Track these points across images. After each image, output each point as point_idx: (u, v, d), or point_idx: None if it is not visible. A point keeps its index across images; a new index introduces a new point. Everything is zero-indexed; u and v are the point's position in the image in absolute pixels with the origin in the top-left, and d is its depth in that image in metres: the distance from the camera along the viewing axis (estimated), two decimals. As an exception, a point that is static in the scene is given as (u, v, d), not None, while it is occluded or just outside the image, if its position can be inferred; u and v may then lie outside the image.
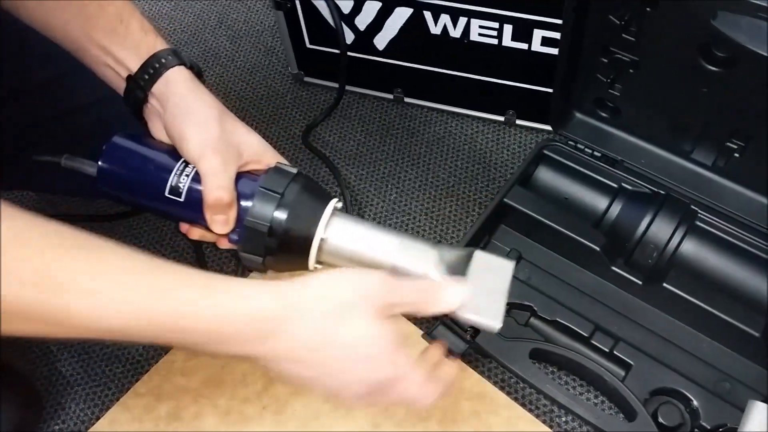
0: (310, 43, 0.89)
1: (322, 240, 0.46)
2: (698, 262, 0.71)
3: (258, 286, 0.39)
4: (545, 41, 0.74)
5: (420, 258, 0.46)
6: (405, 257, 0.46)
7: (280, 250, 0.46)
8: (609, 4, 0.62)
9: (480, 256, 0.46)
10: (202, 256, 0.80)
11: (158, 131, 0.50)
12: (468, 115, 0.91)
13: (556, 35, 0.73)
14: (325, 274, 0.41)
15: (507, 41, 0.76)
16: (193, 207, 0.46)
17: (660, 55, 0.64)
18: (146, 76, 0.49)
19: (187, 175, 0.47)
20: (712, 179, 0.71)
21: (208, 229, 0.47)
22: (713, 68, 0.61)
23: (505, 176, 0.86)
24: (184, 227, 0.50)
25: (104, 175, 0.48)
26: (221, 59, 1.03)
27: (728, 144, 0.67)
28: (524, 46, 0.76)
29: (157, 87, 0.49)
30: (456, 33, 0.78)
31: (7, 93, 0.62)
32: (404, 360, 0.42)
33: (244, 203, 0.46)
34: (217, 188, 0.45)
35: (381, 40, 0.84)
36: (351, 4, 0.80)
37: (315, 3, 0.83)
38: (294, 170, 0.47)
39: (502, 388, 0.68)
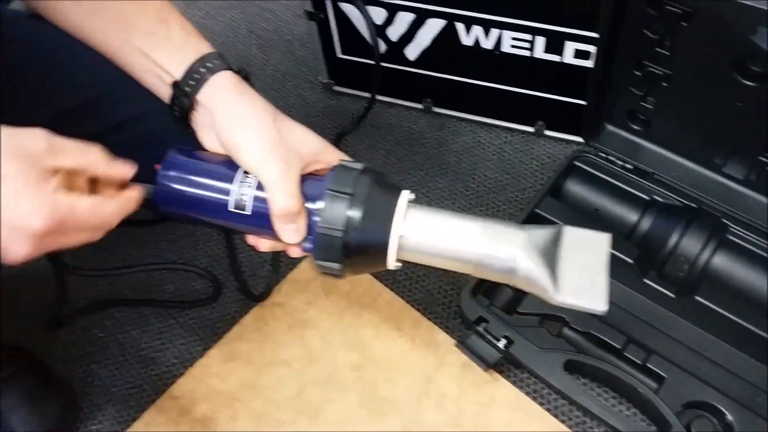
0: (342, 53, 0.90)
1: (400, 237, 0.43)
2: (730, 275, 0.71)
3: None
4: (578, 53, 0.75)
5: (508, 243, 0.43)
6: (492, 245, 0.43)
7: (357, 254, 0.43)
8: (644, 19, 0.63)
9: (571, 232, 0.43)
10: (235, 261, 0.81)
11: (209, 141, 0.48)
12: (497, 126, 0.91)
13: (589, 48, 0.74)
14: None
15: (539, 53, 0.77)
16: (261, 219, 0.44)
17: (693, 69, 0.64)
18: (192, 82, 0.46)
19: (250, 186, 0.44)
20: (744, 193, 0.72)
21: (278, 239, 0.45)
22: (748, 83, 0.61)
23: (534, 187, 0.86)
24: (251, 239, 0.48)
25: (163, 196, 0.46)
26: (251, 68, 1.04)
27: (761, 158, 0.67)
28: (556, 58, 0.77)
29: (204, 93, 0.46)
30: (488, 44, 0.79)
31: (49, 116, 0.61)
32: (60, 200, 0.39)
33: (312, 207, 0.44)
34: (285, 197, 0.43)
35: (412, 51, 0.85)
36: (384, 15, 0.82)
37: (348, 14, 0.84)
38: (360, 166, 0.45)
39: (534, 399, 0.68)
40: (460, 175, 0.88)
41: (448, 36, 0.80)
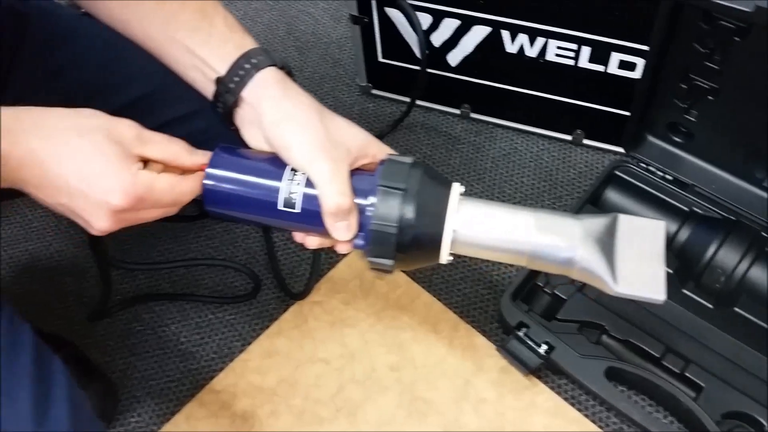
0: (383, 57, 0.91)
1: (453, 231, 0.43)
2: (766, 286, 0.71)
3: None
4: (623, 64, 0.76)
5: (564, 235, 0.42)
6: (547, 236, 0.42)
7: (410, 249, 0.43)
8: (696, 33, 0.64)
9: (625, 221, 0.43)
10: (274, 260, 0.82)
11: (253, 138, 0.47)
12: (534, 133, 0.92)
13: (634, 59, 0.74)
14: (79, 109, 0.41)
15: (583, 62, 0.78)
16: (311, 217, 0.44)
17: (743, 84, 0.65)
18: (236, 79, 0.45)
19: (299, 184, 0.44)
20: (788, 207, 0.72)
21: (327, 236, 0.45)
22: (799, 99, 0.62)
23: (571, 195, 0.87)
24: (298, 237, 0.48)
25: (211, 196, 0.45)
26: (289, 69, 1.06)
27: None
28: (600, 68, 0.78)
29: (249, 90, 0.45)
30: (532, 53, 0.80)
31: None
32: (142, 179, 0.41)
33: (363, 203, 0.43)
34: (336, 194, 0.42)
35: (454, 57, 0.86)
36: (429, 21, 0.83)
37: (393, 19, 0.85)
38: (409, 159, 0.44)
39: (572, 404, 0.69)
40: (496, 181, 0.89)
41: (492, 43, 0.81)
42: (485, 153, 0.92)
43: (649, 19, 0.65)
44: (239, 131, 0.48)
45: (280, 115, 0.44)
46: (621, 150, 0.86)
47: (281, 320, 0.76)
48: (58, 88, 0.59)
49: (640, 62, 0.74)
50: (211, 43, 0.46)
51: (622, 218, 0.43)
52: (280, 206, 0.44)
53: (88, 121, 0.41)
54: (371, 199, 0.43)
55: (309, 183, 0.44)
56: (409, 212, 0.42)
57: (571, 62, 0.79)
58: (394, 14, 0.84)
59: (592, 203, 0.78)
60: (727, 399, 0.65)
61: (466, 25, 0.81)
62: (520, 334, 0.68)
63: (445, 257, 0.44)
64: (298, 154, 0.43)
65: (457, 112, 0.94)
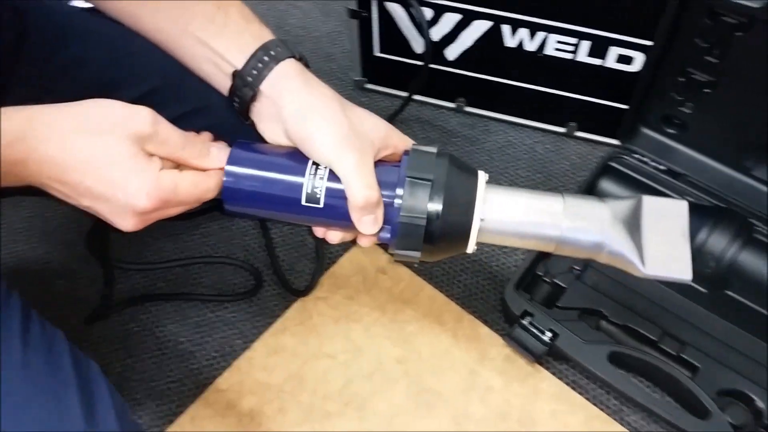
0: (379, 51, 0.91)
1: (481, 220, 0.43)
2: (757, 271, 0.74)
3: (10, 112, 0.38)
4: (620, 58, 0.77)
5: (593, 219, 0.42)
6: (576, 222, 0.42)
7: (438, 240, 0.43)
8: (698, 28, 0.66)
9: (650, 202, 0.43)
10: (274, 256, 0.82)
11: (271, 132, 0.46)
12: (528, 126, 0.93)
13: (632, 53, 0.76)
14: (92, 101, 0.40)
15: (582, 57, 0.79)
16: (335, 211, 0.43)
17: (740, 77, 0.67)
18: (255, 72, 0.44)
19: (322, 178, 0.43)
20: (774, 196, 0.75)
21: (350, 230, 0.45)
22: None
23: (565, 186, 0.88)
24: (319, 231, 0.47)
25: (231, 194, 0.44)
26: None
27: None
28: (598, 62, 0.79)
29: (268, 83, 0.44)
30: (532, 47, 0.81)
31: None
32: (165, 185, 0.41)
33: (389, 195, 0.43)
34: (363, 188, 0.42)
35: (452, 51, 0.86)
36: (430, 15, 0.83)
37: (392, 13, 0.85)
38: (433, 149, 0.44)
39: (574, 389, 0.70)
40: (492, 174, 0.90)
41: (491, 37, 0.82)
42: (480, 146, 0.93)
43: (655, 16, 0.67)
44: (255, 125, 0.47)
45: (302, 108, 0.43)
46: (613, 141, 0.88)
47: (285, 317, 0.76)
48: (63, 88, 0.58)
49: (638, 56, 0.76)
50: (227, 35, 0.45)
51: (647, 200, 0.43)
52: (304, 202, 0.43)
53: (104, 119, 0.40)
54: (398, 191, 0.43)
55: (332, 177, 0.43)
56: (438, 203, 0.42)
57: (570, 56, 0.80)
58: (394, 8, 0.84)
59: (587, 194, 0.80)
60: (721, 378, 0.67)
61: (467, 19, 0.81)
62: (525, 322, 0.70)
63: (472, 247, 0.44)
64: (323, 148, 0.43)
65: (452, 105, 0.95)
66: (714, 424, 0.62)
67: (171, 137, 0.42)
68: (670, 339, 0.70)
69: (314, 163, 0.44)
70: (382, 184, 0.43)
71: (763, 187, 0.75)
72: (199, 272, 0.82)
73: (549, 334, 0.69)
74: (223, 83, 0.46)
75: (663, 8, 0.67)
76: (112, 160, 0.39)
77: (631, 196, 0.45)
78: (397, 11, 0.84)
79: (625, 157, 0.81)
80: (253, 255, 0.84)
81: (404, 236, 0.43)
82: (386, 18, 0.86)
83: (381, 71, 0.94)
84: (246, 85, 0.44)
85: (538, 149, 0.92)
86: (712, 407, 0.63)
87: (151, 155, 0.41)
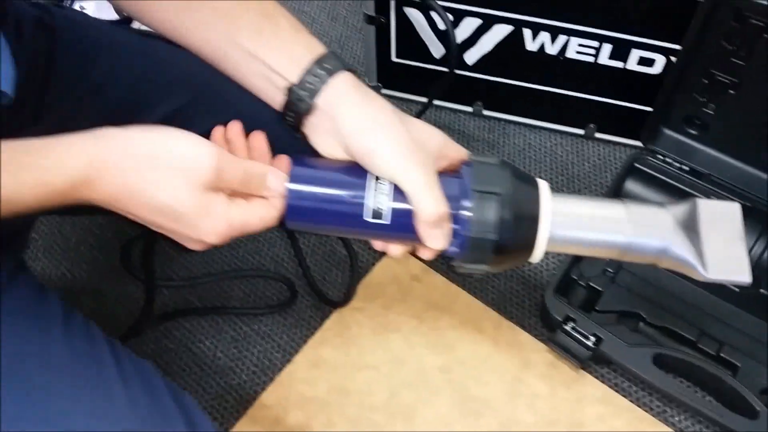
0: (397, 57, 0.91)
1: (549, 231, 0.43)
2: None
3: (68, 156, 0.38)
4: (642, 61, 0.78)
5: (657, 226, 0.43)
6: (641, 230, 0.43)
7: (506, 253, 0.43)
8: (725, 31, 0.67)
9: (704, 205, 0.43)
10: (307, 268, 0.81)
11: (327, 146, 0.45)
12: (546, 128, 0.94)
13: (654, 55, 0.77)
14: (156, 134, 0.40)
15: (603, 59, 0.80)
16: (402, 226, 0.43)
17: (765, 78, 0.69)
18: (310, 85, 0.42)
19: (385, 194, 0.42)
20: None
21: (413, 244, 0.44)
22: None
23: (588, 188, 0.89)
24: (378, 245, 0.46)
25: (293, 213, 0.43)
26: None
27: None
28: (620, 64, 0.80)
29: (324, 97, 0.42)
30: (553, 50, 0.82)
31: None
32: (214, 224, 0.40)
33: (454, 208, 0.42)
34: (432, 202, 0.41)
35: (472, 56, 0.87)
36: (449, 19, 0.82)
37: (411, 18, 0.84)
38: (495, 160, 0.43)
39: (618, 392, 0.71)
40: (515, 177, 0.90)
41: (512, 41, 0.82)
42: (500, 149, 0.93)
43: (684, 19, 0.68)
44: (307, 138, 0.46)
45: (362, 123, 0.42)
46: (633, 143, 0.90)
47: (324, 329, 0.75)
48: (99, 107, 0.56)
49: (659, 59, 0.77)
50: (278, 47, 0.43)
51: (701, 203, 0.44)
52: (367, 217, 0.42)
53: (169, 164, 0.39)
54: (464, 204, 0.42)
55: (396, 191, 0.42)
56: (507, 216, 0.42)
57: (591, 59, 0.81)
58: (413, 13, 0.84)
59: (614, 195, 0.81)
60: (762, 376, 0.69)
61: (488, 23, 0.81)
62: (568, 328, 0.70)
63: (538, 257, 0.44)
64: (387, 163, 0.41)
65: (470, 109, 0.95)
66: (764, 424, 0.63)
67: (233, 177, 0.41)
68: (707, 339, 0.71)
69: (376, 177, 0.43)
70: (446, 198, 0.42)
71: (781, 183, 0.77)
72: (231, 285, 0.81)
73: (593, 339, 0.69)
74: (274, 97, 0.44)
75: (692, 11, 0.68)
76: (180, 206, 0.39)
77: (685, 199, 0.45)
78: (416, 16, 0.84)
79: (650, 158, 0.82)
80: (283, 265, 0.83)
81: (474, 250, 0.42)
82: (404, 23, 0.85)
83: (397, 77, 0.93)
84: (301, 99, 0.43)
85: (558, 151, 0.93)
86: (760, 407, 0.64)
87: (218, 189, 0.41)
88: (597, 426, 0.68)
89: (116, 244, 0.81)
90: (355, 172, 0.43)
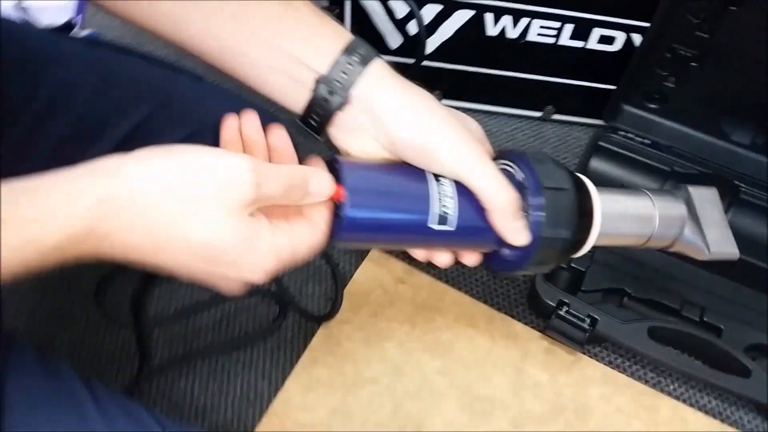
0: (349, 49, 0.86)
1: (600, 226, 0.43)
2: (749, 229, 0.80)
3: (69, 198, 0.30)
4: (603, 39, 0.79)
5: (678, 217, 0.46)
6: (667, 223, 0.46)
7: (568, 253, 0.42)
8: (692, 5, 0.68)
9: (696, 192, 0.48)
10: (282, 286, 0.75)
11: (360, 146, 0.39)
12: (504, 113, 0.93)
13: (615, 33, 0.78)
14: (172, 154, 0.32)
15: (564, 40, 0.80)
16: (470, 230, 0.39)
17: (727, 50, 0.71)
18: (344, 75, 0.37)
19: (449, 196, 0.38)
20: (751, 157, 0.80)
21: (470, 248, 0.42)
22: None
23: (553, 169, 0.89)
24: (421, 254, 0.42)
25: (349, 226, 0.38)
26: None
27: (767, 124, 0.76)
28: (580, 44, 0.80)
29: (361, 88, 0.38)
30: (514, 34, 0.80)
31: (113, 144, 0.49)
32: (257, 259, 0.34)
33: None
34: (510, 192, 0.38)
35: (431, 44, 0.83)
36: (406, 9, 0.79)
37: (366, 8, 0.80)
38: (544, 154, 0.42)
39: (614, 370, 0.72)
40: (480, 165, 0.89)
41: (472, 27, 0.80)
42: (461, 138, 0.91)
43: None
44: (332, 140, 0.41)
45: (412, 114, 0.38)
46: (591, 121, 0.91)
47: (312, 348, 0.70)
48: (52, 131, 0.47)
49: (620, 36, 0.78)
50: (303, 37, 0.38)
51: (692, 190, 0.48)
52: (432, 224, 0.38)
53: (201, 191, 0.32)
54: (535, 201, 0.39)
55: (460, 190, 0.39)
56: (576, 213, 0.40)
57: (552, 40, 0.80)
58: (369, 4, 0.79)
59: (581, 173, 0.81)
60: (743, 336, 0.72)
61: (448, 10, 0.78)
62: (562, 312, 0.70)
63: (583, 252, 0.44)
64: (451, 158, 0.37)
65: (426, 99, 0.92)
66: (756, 381, 0.66)
67: (273, 190, 0.35)
68: (690, 306, 0.74)
69: (435, 176, 0.39)
70: None
71: (742, 150, 0.80)
72: (203, 317, 0.73)
73: (587, 320, 0.69)
74: (296, 95, 0.39)
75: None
76: (219, 241, 0.32)
77: (678, 187, 0.49)
78: (373, 6, 0.80)
79: (613, 135, 0.83)
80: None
81: (544, 250, 0.40)
82: (359, 14, 0.81)
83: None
84: (333, 92, 0.38)
85: (519, 136, 0.92)
86: (751, 365, 0.67)
87: (258, 211, 0.35)
88: (602, 406, 0.68)
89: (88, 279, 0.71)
90: (410, 172, 0.39)
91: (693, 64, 0.74)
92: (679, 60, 0.74)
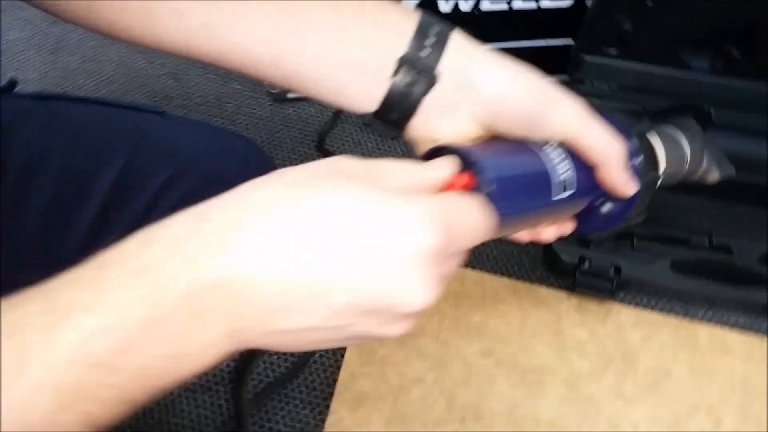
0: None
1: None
2: (730, 149, 0.82)
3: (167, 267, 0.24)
4: (553, -4, 0.80)
5: (704, 150, 0.49)
6: (699, 157, 0.48)
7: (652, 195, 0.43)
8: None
9: (681, 124, 0.50)
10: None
11: (451, 128, 0.35)
12: (468, 88, 0.93)
13: (564, -12, 0.79)
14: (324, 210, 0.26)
15: (517, 5, 0.80)
16: (584, 191, 0.38)
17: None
18: (429, 51, 0.34)
19: (563, 160, 0.36)
20: (714, 81, 0.83)
21: (570, 217, 0.41)
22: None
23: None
24: (526, 235, 0.39)
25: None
26: (174, 102, 0.90)
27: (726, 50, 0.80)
28: (533, 5, 0.80)
29: (449, 64, 0.34)
30: (467, 6, 0.80)
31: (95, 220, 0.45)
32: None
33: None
34: (621, 143, 0.37)
35: (387, 32, 0.82)
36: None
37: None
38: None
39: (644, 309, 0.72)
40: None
41: (425, 6, 0.79)
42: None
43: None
44: (413, 135, 0.36)
45: (516, 82, 0.36)
46: (554, 78, 0.91)
47: (347, 362, 0.66)
48: (31, 201, 0.42)
49: (569, -9, 0.79)
50: (372, 20, 0.34)
51: (679, 123, 0.51)
52: (557, 195, 0.36)
53: (373, 256, 0.26)
54: (628, 146, 0.40)
55: (561, 150, 0.37)
56: (652, 153, 0.43)
57: (506, 7, 0.80)
58: None
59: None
60: (752, 250, 0.74)
61: (400, -7, 0.77)
62: (585, 267, 0.69)
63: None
64: (560, 116, 0.36)
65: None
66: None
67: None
68: (696, 234, 0.75)
69: (541, 145, 0.36)
70: None
71: (705, 77, 0.83)
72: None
73: (612, 269, 0.69)
74: (369, 89, 0.34)
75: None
76: (366, 258, 0.26)
77: (677, 122, 0.51)
78: None
79: (580, 86, 0.84)
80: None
81: (644, 195, 0.41)
82: None
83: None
84: (421, 71, 0.34)
85: (488, 107, 0.92)
86: (763, 273, 0.69)
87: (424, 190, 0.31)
88: (646, 347, 0.68)
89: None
90: (517, 146, 0.36)
91: (649, 4, 0.76)
92: (635, 2, 0.76)
